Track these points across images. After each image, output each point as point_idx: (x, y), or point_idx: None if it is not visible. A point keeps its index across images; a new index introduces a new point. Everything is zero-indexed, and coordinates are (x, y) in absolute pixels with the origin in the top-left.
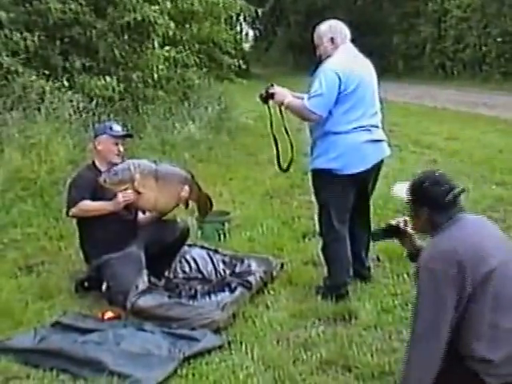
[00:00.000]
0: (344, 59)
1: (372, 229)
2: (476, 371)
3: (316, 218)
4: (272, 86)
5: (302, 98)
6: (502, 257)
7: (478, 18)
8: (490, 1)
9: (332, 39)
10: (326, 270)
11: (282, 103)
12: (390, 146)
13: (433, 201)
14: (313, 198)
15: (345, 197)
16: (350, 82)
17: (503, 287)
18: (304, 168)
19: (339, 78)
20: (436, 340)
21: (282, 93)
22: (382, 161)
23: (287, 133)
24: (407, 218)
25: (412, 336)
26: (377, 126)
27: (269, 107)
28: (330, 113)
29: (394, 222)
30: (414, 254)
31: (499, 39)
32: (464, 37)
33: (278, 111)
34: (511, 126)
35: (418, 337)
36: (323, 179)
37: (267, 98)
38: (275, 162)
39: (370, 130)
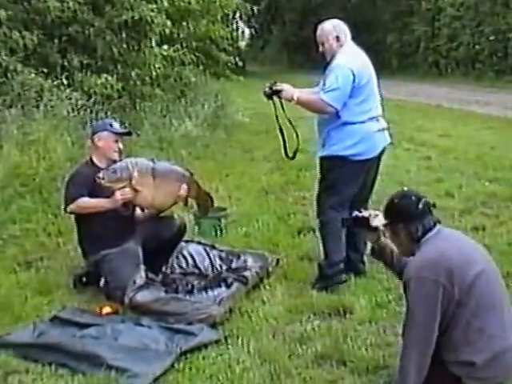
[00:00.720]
0: (354, 56)
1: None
2: (459, 375)
3: (315, 202)
4: (275, 83)
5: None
6: (483, 263)
7: (471, 16)
8: None
9: (337, 38)
10: (322, 249)
11: (292, 98)
12: (390, 134)
13: (405, 214)
14: (307, 194)
15: (352, 182)
16: (362, 77)
17: (486, 292)
18: (299, 165)
19: (353, 74)
20: (429, 347)
21: (290, 89)
22: (384, 149)
23: (292, 125)
24: (378, 212)
25: (405, 343)
26: (381, 116)
27: (274, 103)
28: (345, 105)
29: (365, 214)
30: (376, 250)
31: (492, 37)
32: (457, 35)
33: (279, 107)
34: (504, 124)
35: (412, 345)
36: (337, 165)
37: (272, 94)
38: (282, 151)
39: (378, 120)
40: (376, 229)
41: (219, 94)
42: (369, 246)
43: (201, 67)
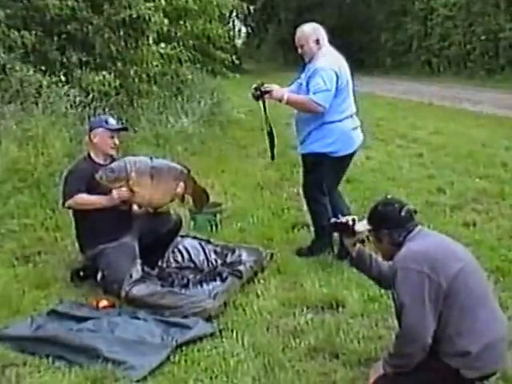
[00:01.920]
0: (334, 59)
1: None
2: (456, 367)
3: (302, 192)
4: (262, 84)
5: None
6: (465, 258)
7: (463, 16)
8: (474, 0)
9: (317, 40)
10: (313, 232)
11: (282, 99)
12: (363, 131)
13: (389, 220)
14: (298, 189)
15: (332, 176)
16: (343, 78)
17: (473, 284)
18: (293, 161)
19: (336, 75)
20: (425, 336)
21: (279, 89)
22: (358, 146)
23: (270, 127)
24: (355, 217)
25: (400, 333)
26: (356, 114)
27: (264, 103)
28: (330, 106)
29: (343, 219)
30: (354, 256)
31: (483, 37)
32: (449, 35)
33: (263, 109)
34: (494, 121)
35: (406, 335)
36: (318, 161)
37: (261, 95)
38: (269, 152)
39: (353, 118)
40: (354, 234)
41: (215, 91)
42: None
43: (198, 65)
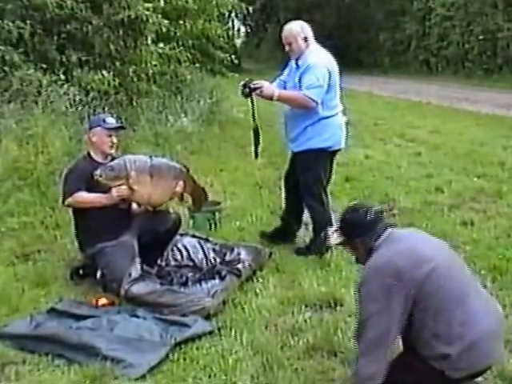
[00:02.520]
0: (324, 56)
1: None
2: (440, 368)
3: (301, 191)
4: (251, 80)
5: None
6: (436, 259)
7: (461, 16)
8: (472, 0)
9: (305, 38)
10: (312, 232)
11: (273, 95)
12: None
13: (358, 227)
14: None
15: (328, 170)
16: (333, 75)
17: (445, 286)
18: None
19: (328, 72)
20: (386, 347)
21: (269, 86)
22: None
23: (256, 124)
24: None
25: (361, 345)
26: (343, 112)
27: (252, 100)
28: (322, 102)
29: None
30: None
31: (481, 37)
32: (447, 34)
33: (252, 106)
34: (492, 121)
35: (368, 346)
36: (316, 156)
37: (250, 92)
38: (253, 151)
39: (342, 113)
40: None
41: (214, 90)
42: None
43: (197, 64)
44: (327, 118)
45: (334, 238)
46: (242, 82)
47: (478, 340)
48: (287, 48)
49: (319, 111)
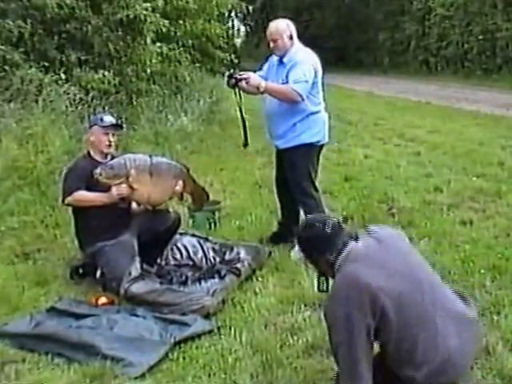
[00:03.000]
0: (309, 54)
1: None
2: None
3: (292, 188)
4: (235, 71)
5: None
6: (400, 283)
7: (460, 16)
8: (472, 0)
9: (291, 36)
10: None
11: (260, 86)
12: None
13: (315, 242)
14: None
15: (316, 164)
16: (318, 72)
17: (408, 312)
18: None
19: (314, 69)
20: (360, 377)
21: (256, 77)
22: None
23: (241, 114)
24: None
25: (340, 374)
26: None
27: (239, 91)
28: (308, 97)
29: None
30: None
31: (480, 37)
32: (447, 34)
33: (237, 96)
34: (491, 121)
35: (344, 377)
36: (307, 152)
37: (236, 82)
38: (243, 139)
39: (324, 110)
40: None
41: (214, 89)
42: None
43: (197, 64)
44: (316, 113)
45: (294, 253)
46: (228, 73)
47: (446, 361)
48: (272, 44)
49: (307, 107)
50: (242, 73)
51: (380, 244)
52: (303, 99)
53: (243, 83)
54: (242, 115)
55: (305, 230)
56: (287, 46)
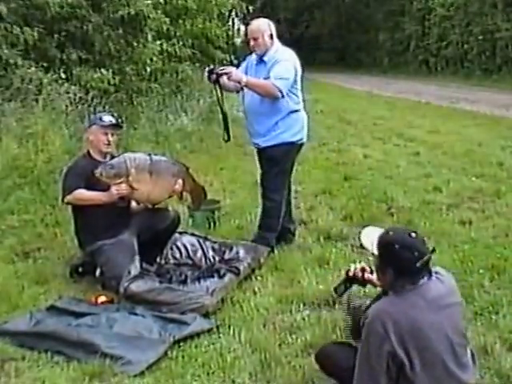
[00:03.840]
0: (290, 52)
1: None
2: None
3: (265, 184)
4: (215, 66)
5: None
6: (431, 342)
7: (460, 16)
8: (472, 0)
9: (271, 35)
10: (266, 223)
11: (241, 80)
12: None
13: (400, 265)
14: (299, 187)
15: (293, 163)
16: (298, 71)
17: (432, 363)
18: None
19: (294, 68)
20: None
21: (238, 71)
22: None
23: (222, 110)
24: (364, 265)
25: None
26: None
27: (220, 86)
28: (289, 95)
29: (351, 274)
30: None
31: (480, 37)
32: (447, 34)
33: (218, 91)
34: (491, 121)
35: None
36: (287, 150)
37: (217, 78)
38: (225, 134)
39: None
40: (368, 279)
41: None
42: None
43: (197, 64)
44: (296, 111)
45: (373, 246)
46: (208, 68)
47: None
48: (252, 43)
49: (288, 105)
50: (222, 68)
51: (439, 289)
52: (283, 96)
53: (224, 78)
54: (222, 110)
55: (400, 247)
56: (268, 44)
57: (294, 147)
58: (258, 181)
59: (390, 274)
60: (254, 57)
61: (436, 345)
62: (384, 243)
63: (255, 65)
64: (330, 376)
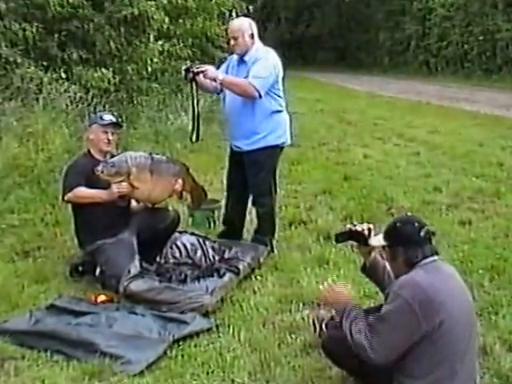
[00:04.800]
0: (271, 52)
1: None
2: None
3: (252, 190)
4: (191, 65)
5: None
6: (454, 313)
7: (460, 16)
8: (472, 0)
9: (252, 35)
10: (268, 228)
11: (217, 78)
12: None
13: (406, 238)
14: (299, 187)
15: (277, 163)
16: (279, 71)
17: (448, 339)
18: (291, 159)
19: (275, 67)
20: (384, 358)
21: (213, 69)
22: None
23: (196, 110)
24: (371, 226)
25: (369, 338)
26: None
27: (196, 85)
28: (270, 95)
29: (358, 228)
30: (368, 266)
31: (481, 37)
32: (447, 35)
33: (194, 89)
34: (491, 121)
35: (372, 349)
36: (272, 153)
37: (194, 76)
38: (194, 134)
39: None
40: (367, 244)
41: None
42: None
43: (197, 63)
44: (279, 112)
45: (378, 239)
46: (184, 67)
47: None
48: (232, 42)
49: (270, 105)
50: (198, 66)
51: (452, 272)
52: (260, 96)
53: (201, 76)
54: (193, 109)
55: (402, 223)
56: (248, 44)
57: (277, 150)
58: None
59: (401, 253)
60: (235, 57)
61: (456, 310)
62: (388, 228)
63: (236, 65)
64: (337, 365)
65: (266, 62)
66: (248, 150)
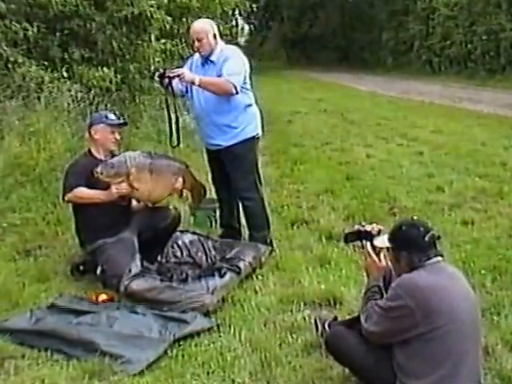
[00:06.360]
0: (236, 50)
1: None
2: None
3: (235, 185)
4: (166, 70)
5: None
6: (456, 317)
7: (464, 16)
8: (476, 0)
9: (215, 35)
10: (261, 223)
11: (194, 81)
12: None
13: (411, 242)
14: (301, 187)
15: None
16: (247, 66)
17: (447, 342)
18: (294, 158)
19: (244, 64)
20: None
21: (189, 72)
22: None
23: (169, 113)
24: (381, 227)
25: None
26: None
27: (172, 89)
28: (242, 91)
29: (367, 228)
30: (369, 268)
31: (484, 37)
32: (451, 34)
33: (170, 94)
34: (494, 121)
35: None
36: (251, 145)
37: (170, 81)
38: (175, 138)
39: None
40: (377, 246)
41: None
42: None
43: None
44: (250, 105)
45: (382, 241)
46: (158, 73)
47: None
48: (197, 44)
49: (243, 99)
50: (173, 70)
51: (455, 274)
52: (237, 92)
53: (176, 80)
54: (169, 115)
55: (406, 227)
56: (212, 45)
57: (255, 141)
58: (212, 187)
59: (405, 257)
60: (196, 57)
61: (458, 310)
62: (393, 230)
63: (201, 65)
64: (340, 362)
65: (236, 59)
66: (228, 146)
